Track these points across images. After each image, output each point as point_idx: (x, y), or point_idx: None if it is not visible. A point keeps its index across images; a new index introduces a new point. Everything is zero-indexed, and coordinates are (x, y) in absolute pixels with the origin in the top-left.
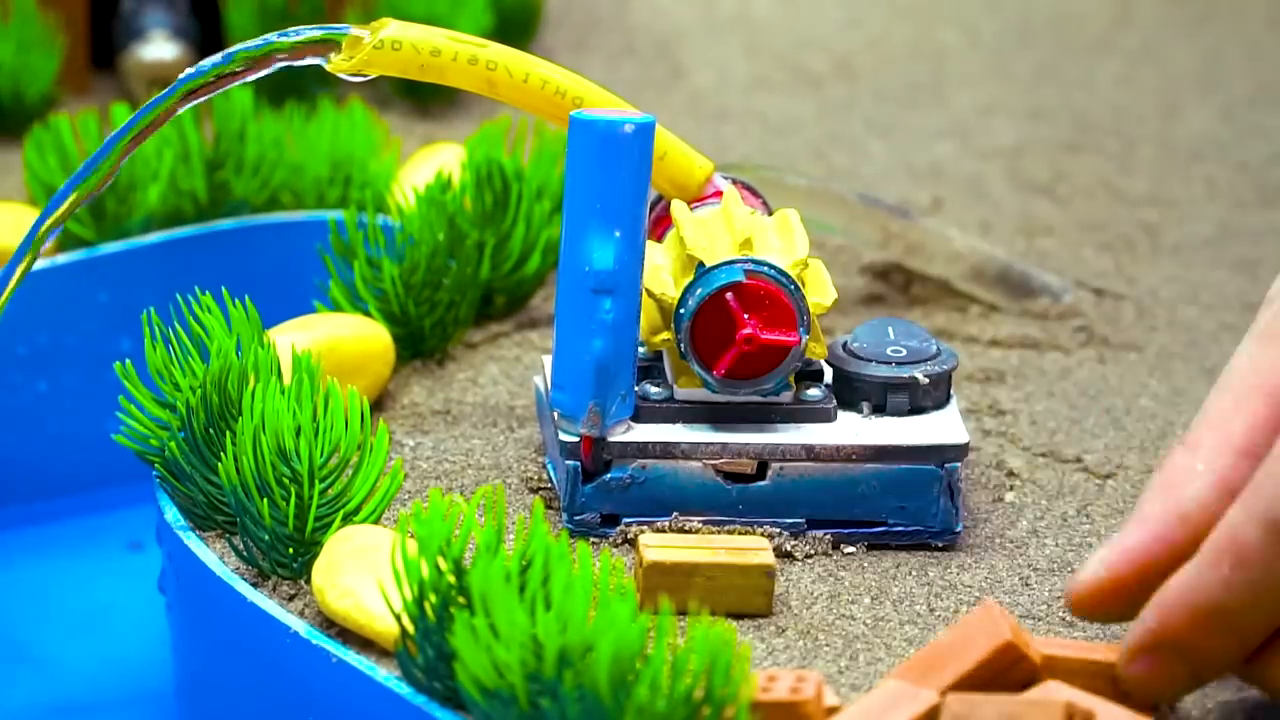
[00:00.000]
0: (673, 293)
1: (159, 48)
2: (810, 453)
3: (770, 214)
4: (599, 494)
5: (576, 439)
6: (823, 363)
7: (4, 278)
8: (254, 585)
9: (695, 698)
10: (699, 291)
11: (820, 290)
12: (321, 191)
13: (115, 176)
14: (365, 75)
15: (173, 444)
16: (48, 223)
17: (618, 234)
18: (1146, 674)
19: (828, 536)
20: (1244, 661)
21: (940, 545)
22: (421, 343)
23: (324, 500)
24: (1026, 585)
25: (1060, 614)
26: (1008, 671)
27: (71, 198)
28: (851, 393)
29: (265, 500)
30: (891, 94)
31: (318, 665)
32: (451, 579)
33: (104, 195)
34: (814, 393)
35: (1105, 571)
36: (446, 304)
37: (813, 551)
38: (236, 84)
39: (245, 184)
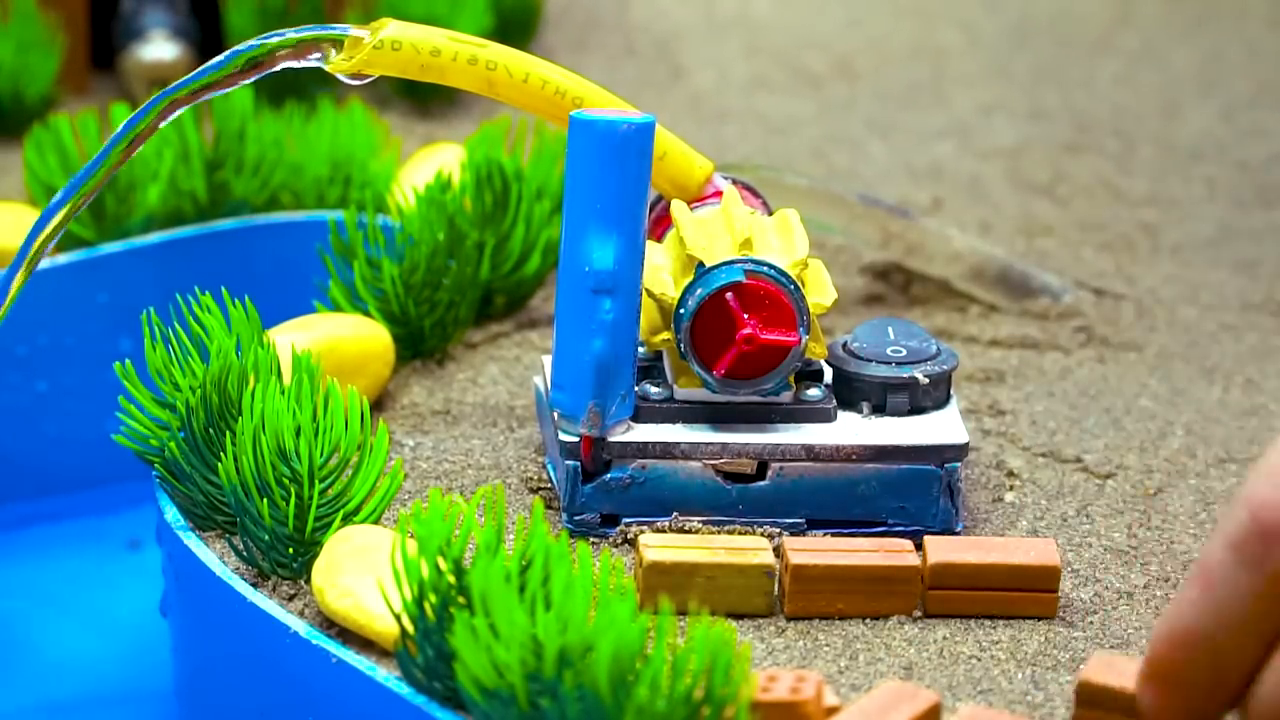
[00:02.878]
0: (673, 293)
1: (159, 48)
2: (810, 453)
3: (770, 214)
4: (599, 494)
5: (576, 439)
6: (823, 363)
7: (5, 281)
8: (254, 585)
9: (695, 698)
10: (699, 291)
11: (820, 290)
12: (321, 191)
13: (114, 177)
14: (365, 77)
15: (173, 444)
16: (51, 223)
17: (618, 234)
18: (1151, 705)
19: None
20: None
21: None
22: (421, 343)
23: (324, 500)
24: None
25: (1061, 614)
26: None
27: (70, 203)
28: (851, 393)
29: (265, 500)
30: (891, 94)
31: (318, 665)
32: (451, 579)
33: (104, 195)
34: (814, 393)
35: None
36: (446, 304)
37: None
38: (237, 85)
39: (245, 184)
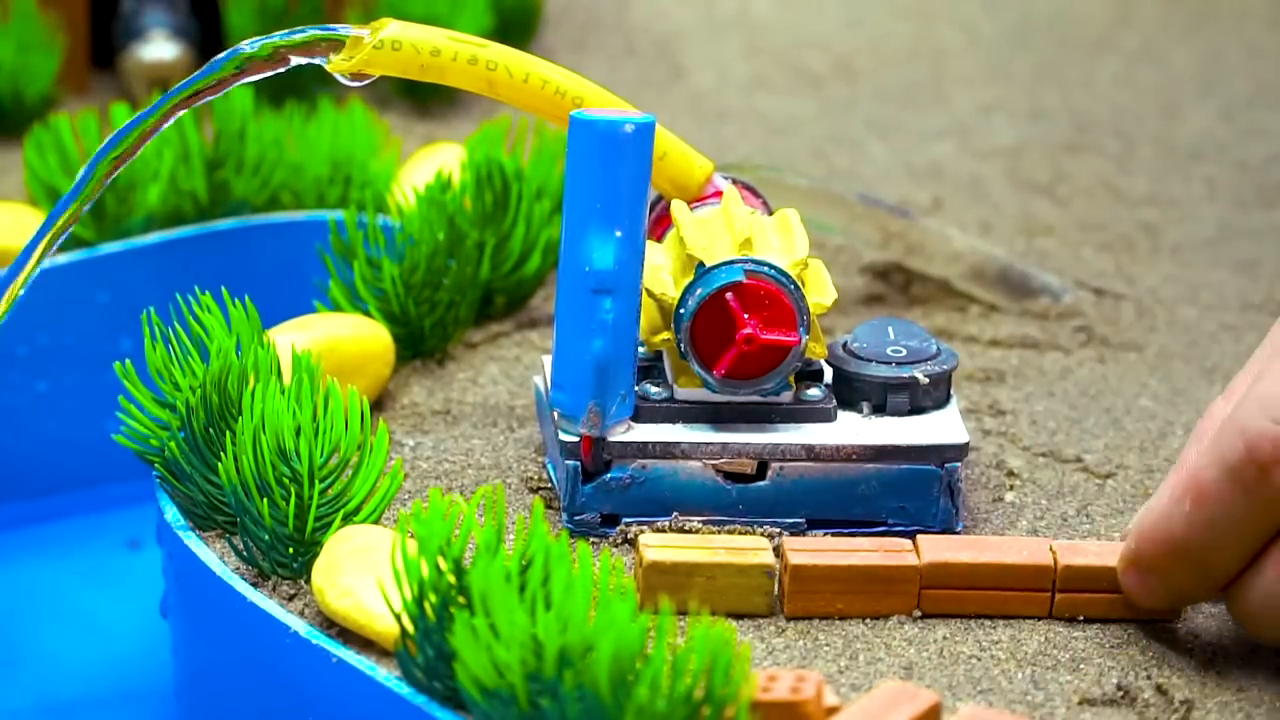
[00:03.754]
0: (673, 293)
1: (159, 48)
2: (810, 453)
3: (770, 214)
4: (599, 494)
5: (576, 439)
6: (823, 363)
7: (6, 283)
8: (254, 585)
9: (695, 698)
10: (699, 291)
11: (820, 290)
12: (321, 191)
13: (114, 177)
14: (366, 77)
15: (173, 444)
16: (57, 224)
17: (618, 234)
18: (1134, 587)
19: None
20: (1222, 590)
21: None
22: (421, 343)
23: (324, 500)
24: None
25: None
26: None
27: (74, 205)
28: (851, 393)
29: (265, 500)
30: (891, 94)
31: (318, 665)
32: (451, 579)
33: (104, 195)
34: (814, 393)
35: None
36: (446, 304)
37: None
38: (236, 85)
39: (245, 184)
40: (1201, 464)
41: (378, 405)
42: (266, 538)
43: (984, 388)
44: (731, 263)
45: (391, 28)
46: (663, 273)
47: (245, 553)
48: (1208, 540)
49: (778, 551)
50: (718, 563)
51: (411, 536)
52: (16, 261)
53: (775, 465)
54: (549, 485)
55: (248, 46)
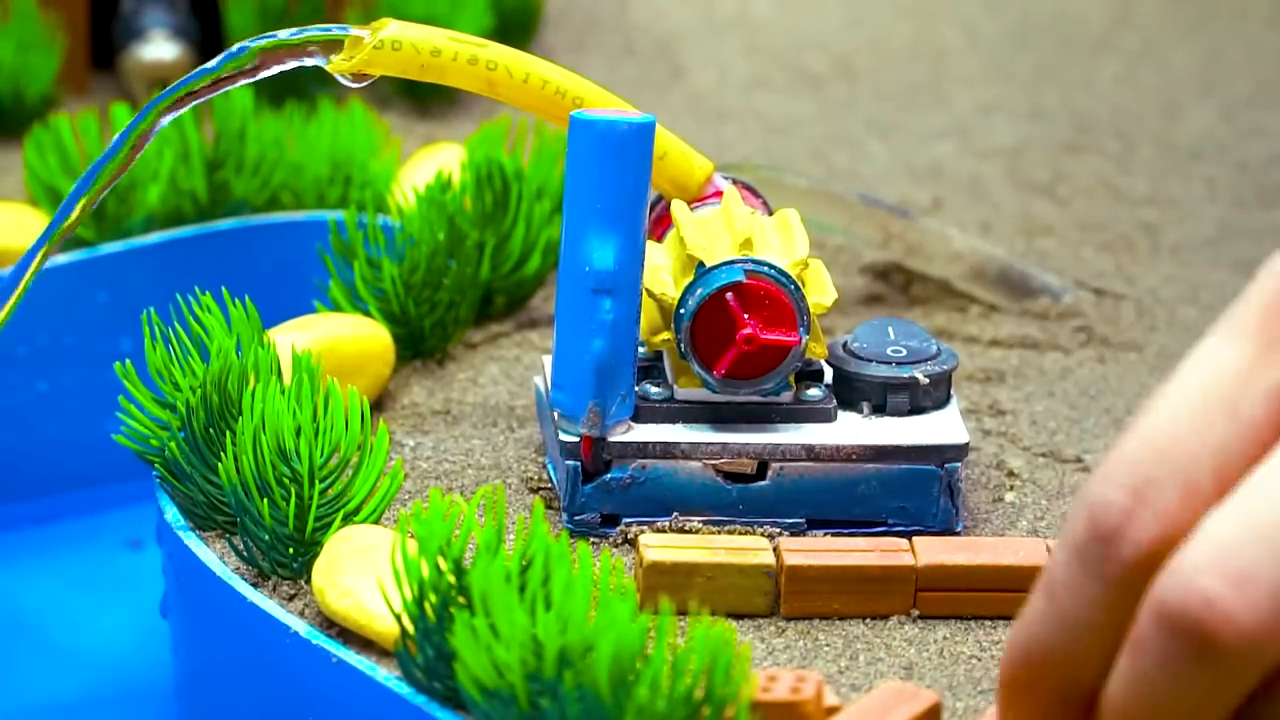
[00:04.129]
0: (673, 293)
1: (159, 48)
2: (810, 453)
3: (770, 214)
4: (599, 494)
5: (576, 439)
6: (823, 363)
7: (9, 284)
8: (254, 585)
9: (695, 698)
10: (699, 291)
11: (820, 290)
12: (321, 191)
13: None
14: (366, 79)
15: (173, 444)
16: (59, 228)
17: (618, 234)
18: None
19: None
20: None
21: None
22: (421, 343)
23: (324, 500)
24: None
25: None
26: None
27: (75, 210)
28: (851, 393)
29: (265, 500)
30: (891, 94)
31: (318, 665)
32: (451, 579)
33: (104, 195)
34: (814, 393)
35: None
36: (446, 304)
37: None
38: (236, 85)
39: (245, 184)
40: (1052, 555)
41: (378, 405)
42: (266, 538)
43: (984, 388)
44: (731, 263)
45: (391, 28)
46: (663, 273)
47: (245, 553)
48: (1064, 638)
49: (777, 551)
50: (718, 563)
51: (411, 536)
52: (19, 265)
53: (775, 465)
54: (549, 485)
55: (248, 46)
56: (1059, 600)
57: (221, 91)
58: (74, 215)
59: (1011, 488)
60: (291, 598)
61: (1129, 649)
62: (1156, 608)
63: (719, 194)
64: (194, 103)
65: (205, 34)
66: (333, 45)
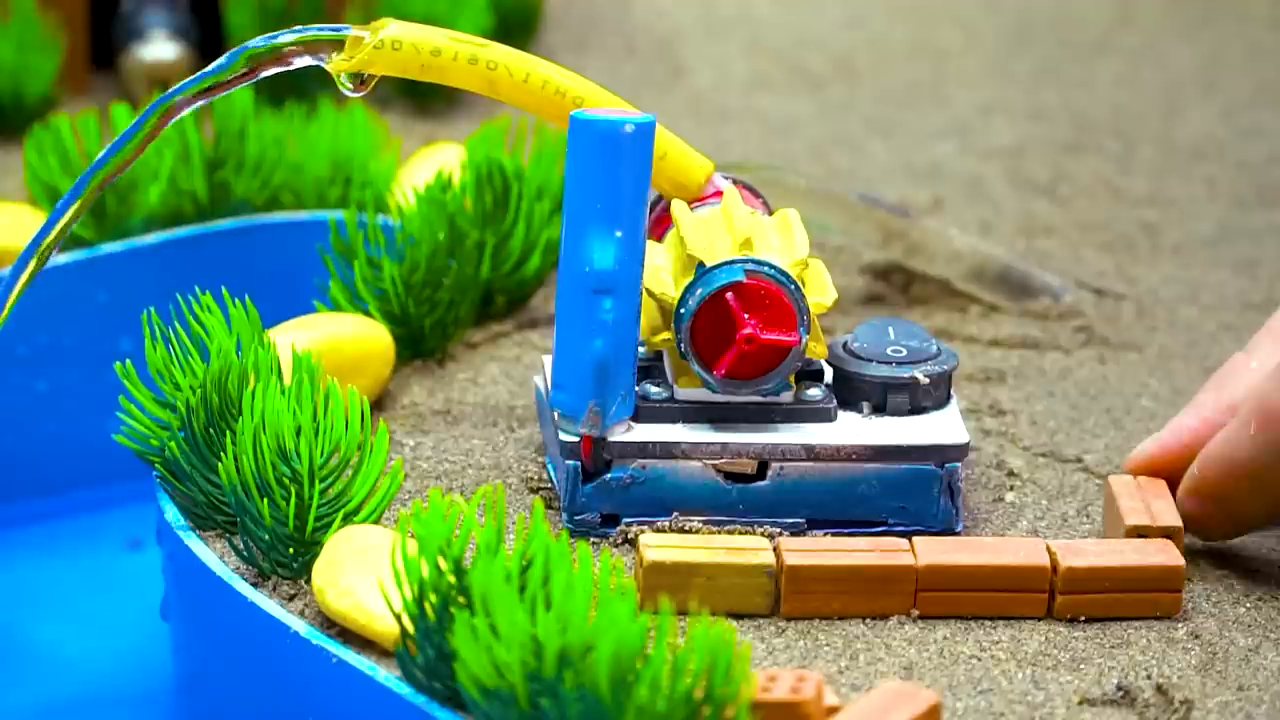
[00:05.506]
0: (673, 293)
1: (159, 48)
2: (810, 453)
3: (770, 214)
4: (599, 494)
5: (576, 439)
6: (823, 363)
7: (9, 284)
8: (254, 585)
9: (695, 698)
10: (699, 291)
11: (820, 290)
12: (321, 191)
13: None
14: (364, 88)
15: (173, 444)
16: (57, 227)
17: (618, 234)
18: (1195, 513)
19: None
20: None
21: None
22: (421, 343)
23: (324, 500)
24: None
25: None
26: None
27: (73, 208)
28: (851, 393)
29: (265, 500)
30: (891, 94)
31: (318, 665)
32: (451, 579)
33: (104, 195)
34: (814, 393)
35: (1157, 448)
36: (446, 304)
37: None
38: (237, 86)
39: (245, 184)
40: (1267, 389)
41: (378, 405)
42: (267, 538)
43: (984, 388)
44: (732, 263)
45: (392, 28)
46: (663, 273)
47: (245, 553)
48: (1272, 463)
49: (777, 551)
50: (718, 563)
51: (412, 536)
52: (18, 262)
53: (775, 465)
54: (549, 485)
55: (248, 47)
56: (1273, 428)
57: (222, 94)
58: (71, 214)
59: (1012, 488)
60: (291, 598)
61: None
62: None
63: (719, 194)
64: (195, 105)
65: (205, 34)
66: (333, 45)
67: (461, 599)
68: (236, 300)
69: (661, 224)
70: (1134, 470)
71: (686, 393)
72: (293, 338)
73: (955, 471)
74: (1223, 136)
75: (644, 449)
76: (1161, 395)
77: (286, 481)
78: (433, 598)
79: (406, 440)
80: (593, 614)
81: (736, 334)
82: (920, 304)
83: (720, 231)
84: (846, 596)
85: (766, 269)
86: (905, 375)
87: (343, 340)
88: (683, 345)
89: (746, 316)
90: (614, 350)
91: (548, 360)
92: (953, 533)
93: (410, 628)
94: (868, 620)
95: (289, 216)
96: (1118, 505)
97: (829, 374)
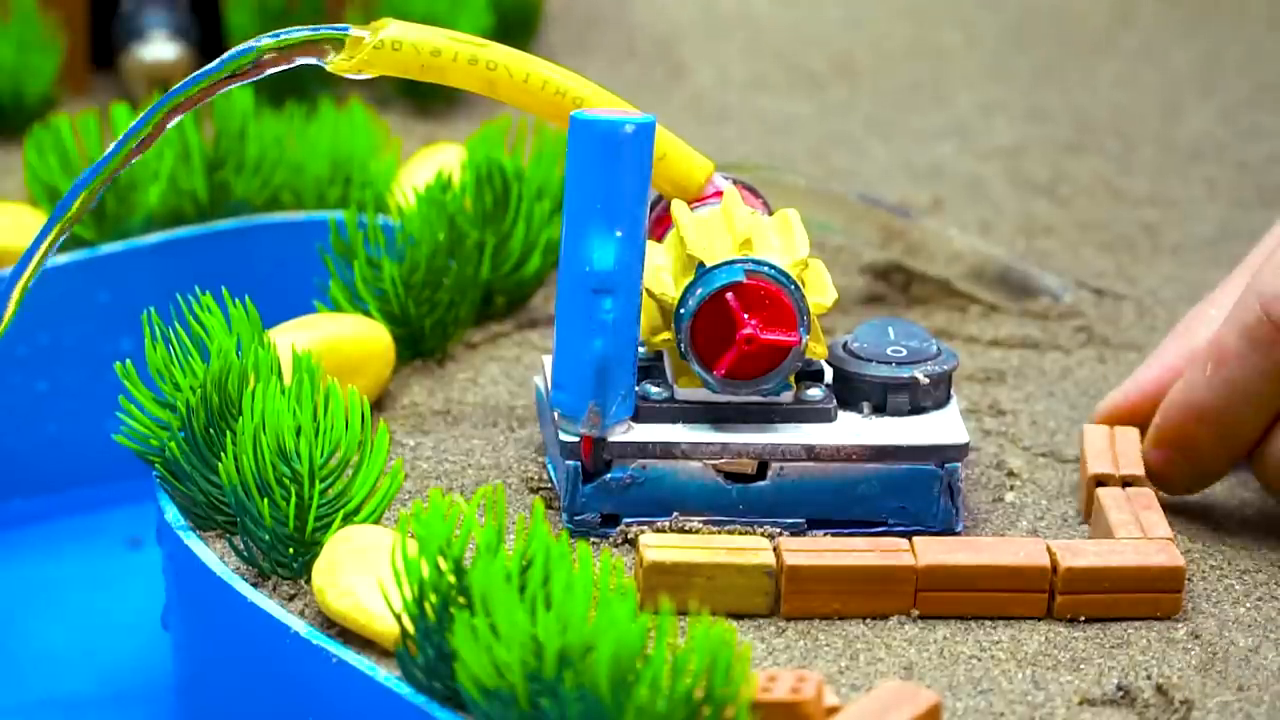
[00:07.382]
0: (673, 293)
1: (159, 48)
2: (810, 453)
3: (770, 214)
4: (599, 494)
5: (576, 439)
6: (823, 363)
7: (9, 284)
8: (254, 585)
9: (695, 698)
10: (699, 291)
11: (820, 290)
12: (321, 191)
13: (116, 178)
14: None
15: (173, 444)
16: (56, 227)
17: (618, 234)
18: (1159, 464)
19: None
20: (1246, 457)
21: None
22: (421, 343)
23: (324, 500)
24: None
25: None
26: None
27: (73, 208)
28: (851, 393)
29: (265, 500)
30: (891, 94)
31: (318, 665)
32: (451, 579)
33: (104, 195)
34: (814, 393)
35: (1121, 397)
36: (446, 304)
37: None
38: (237, 85)
39: (245, 184)
40: (1222, 330)
41: (378, 405)
42: (267, 538)
43: (984, 388)
44: (732, 263)
45: (392, 28)
46: (663, 273)
47: (245, 553)
48: (1228, 403)
49: (777, 552)
50: (718, 563)
51: (412, 536)
52: (19, 263)
53: (775, 465)
54: (549, 485)
55: (248, 47)
56: (1227, 371)
57: (222, 93)
58: (71, 212)
59: (1012, 488)
60: (291, 598)
61: None
62: None
63: (719, 194)
64: (195, 105)
65: (205, 34)
66: (333, 45)
67: (461, 599)
68: (236, 300)
69: (661, 224)
70: (1101, 421)
71: (686, 393)
72: (293, 338)
73: (955, 471)
74: (1222, 137)
75: (644, 449)
76: None
77: (286, 481)
78: (433, 598)
79: (406, 440)
80: (593, 614)
81: (736, 334)
82: (920, 304)
83: (720, 231)
84: (846, 596)
85: (766, 269)
86: (905, 375)
87: (343, 340)
88: (683, 345)
89: (746, 316)
90: (614, 350)
91: (548, 360)
92: (953, 533)
93: (410, 628)
94: (868, 620)
95: (289, 216)
96: (1107, 518)
97: (829, 374)
